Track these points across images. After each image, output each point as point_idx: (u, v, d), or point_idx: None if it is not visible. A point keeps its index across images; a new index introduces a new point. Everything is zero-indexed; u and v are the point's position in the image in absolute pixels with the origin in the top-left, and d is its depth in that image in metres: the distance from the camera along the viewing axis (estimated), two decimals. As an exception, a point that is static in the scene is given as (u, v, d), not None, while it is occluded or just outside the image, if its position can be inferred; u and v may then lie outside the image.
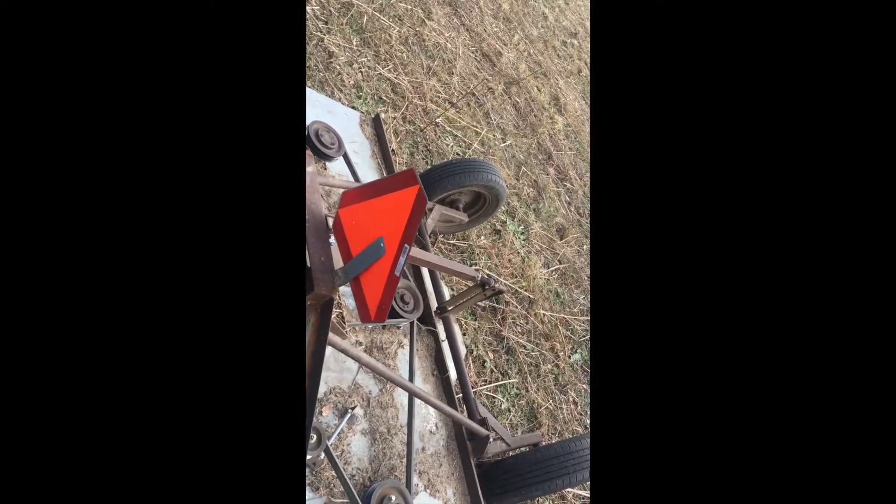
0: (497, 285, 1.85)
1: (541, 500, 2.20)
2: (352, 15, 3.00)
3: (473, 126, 3.31)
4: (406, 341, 1.94)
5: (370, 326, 1.85)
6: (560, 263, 3.16)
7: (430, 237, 2.24)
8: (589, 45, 5.36)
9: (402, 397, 1.78)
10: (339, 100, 2.55)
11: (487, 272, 2.66)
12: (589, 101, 4.64)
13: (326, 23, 2.83)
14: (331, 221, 1.36)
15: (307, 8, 2.78)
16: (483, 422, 1.77)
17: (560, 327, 2.82)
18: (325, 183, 1.67)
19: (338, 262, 1.31)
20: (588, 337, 2.95)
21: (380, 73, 2.91)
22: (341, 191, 1.96)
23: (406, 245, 1.12)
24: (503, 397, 2.35)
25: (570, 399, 2.61)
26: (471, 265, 2.64)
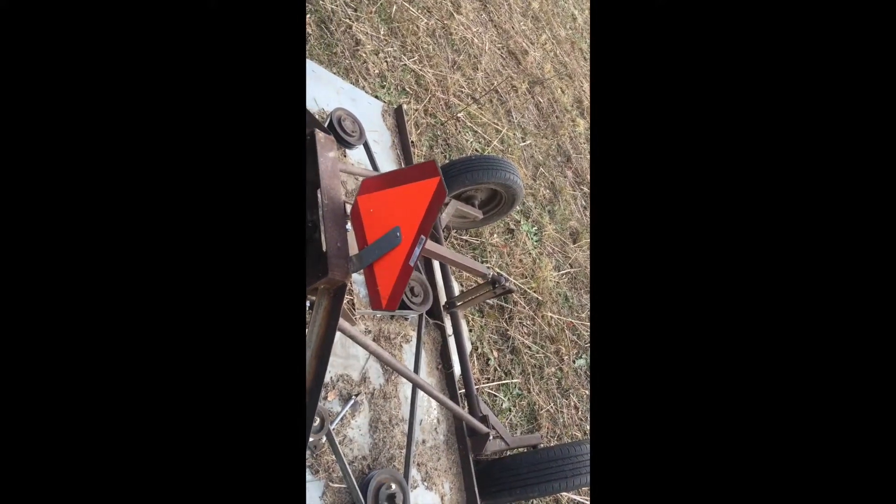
0: (507, 284, 1.84)
1: (535, 502, 2.20)
2: (381, 4, 2.99)
3: (494, 123, 3.30)
4: (413, 333, 1.94)
5: (378, 315, 1.86)
6: (571, 267, 3.15)
7: (443, 231, 2.24)
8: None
9: (405, 388, 1.78)
10: (364, 88, 2.55)
11: (498, 270, 2.65)
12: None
13: (356, 10, 2.83)
14: (349, 208, 1.36)
15: (337, -6, 2.78)
16: (484, 419, 1.77)
17: (566, 331, 2.81)
18: (345, 170, 1.67)
19: (353, 248, 1.31)
20: (594, 343, 2.94)
21: (405, 64, 2.91)
22: (359, 179, 1.97)
23: (422, 236, 1.12)
24: (505, 396, 2.35)
25: (572, 403, 2.60)
26: (482, 262, 2.63)
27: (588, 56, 4.97)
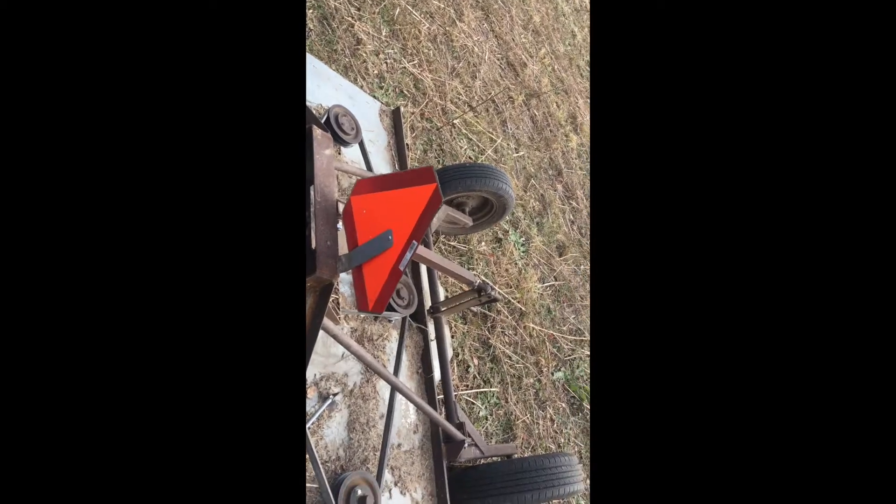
0: (493, 293, 1.85)
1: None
2: (384, 5, 3.00)
3: (489, 132, 3.32)
4: (395, 336, 1.94)
5: (363, 316, 1.85)
6: (556, 280, 3.17)
7: (432, 236, 2.25)
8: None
9: (384, 391, 1.78)
10: (362, 87, 2.54)
11: (484, 279, 2.66)
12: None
13: (359, 9, 2.83)
14: (341, 207, 1.36)
15: (342, -8, 2.77)
16: (461, 426, 1.78)
17: (547, 343, 2.83)
18: (339, 168, 1.67)
19: (342, 248, 1.31)
20: (573, 357, 2.96)
21: (404, 67, 2.91)
22: (353, 177, 1.96)
23: (414, 241, 1.13)
24: (482, 404, 2.36)
25: (548, 415, 2.62)
26: (469, 269, 2.64)
27: (584, 74, 5.03)
